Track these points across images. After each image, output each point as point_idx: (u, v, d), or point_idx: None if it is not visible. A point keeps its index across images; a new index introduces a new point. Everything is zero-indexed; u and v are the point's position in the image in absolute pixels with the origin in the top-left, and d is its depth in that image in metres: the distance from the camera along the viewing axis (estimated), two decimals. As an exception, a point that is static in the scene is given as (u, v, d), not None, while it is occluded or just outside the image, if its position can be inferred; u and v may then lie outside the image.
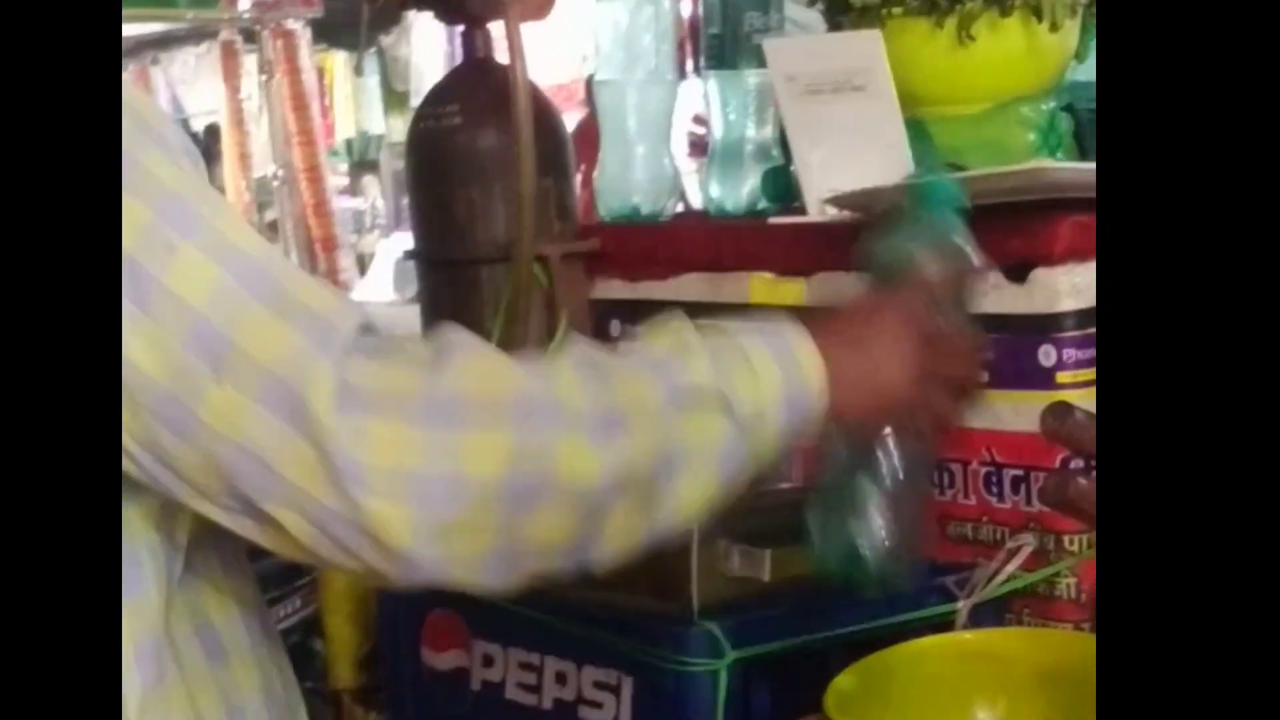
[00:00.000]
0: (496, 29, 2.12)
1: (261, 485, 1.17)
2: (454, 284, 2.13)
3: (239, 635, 1.35)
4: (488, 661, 1.78)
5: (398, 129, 9.12)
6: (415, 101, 8.29)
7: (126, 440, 1.17)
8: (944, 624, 1.61)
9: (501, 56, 2.09)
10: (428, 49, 8.38)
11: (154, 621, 1.27)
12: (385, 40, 8.96)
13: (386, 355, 1.18)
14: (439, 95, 2.17)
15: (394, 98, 9.30)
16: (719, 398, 1.26)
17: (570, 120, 2.30)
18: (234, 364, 1.15)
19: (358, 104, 9.60)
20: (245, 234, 1.20)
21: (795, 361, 1.30)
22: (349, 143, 9.70)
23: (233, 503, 1.19)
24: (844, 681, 1.50)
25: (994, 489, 1.74)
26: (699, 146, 2.59)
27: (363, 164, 9.82)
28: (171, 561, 1.29)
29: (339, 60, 9.14)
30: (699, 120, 2.50)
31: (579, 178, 2.22)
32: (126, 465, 1.19)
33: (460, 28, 2.17)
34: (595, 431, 1.21)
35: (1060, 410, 1.30)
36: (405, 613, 1.90)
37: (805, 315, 1.35)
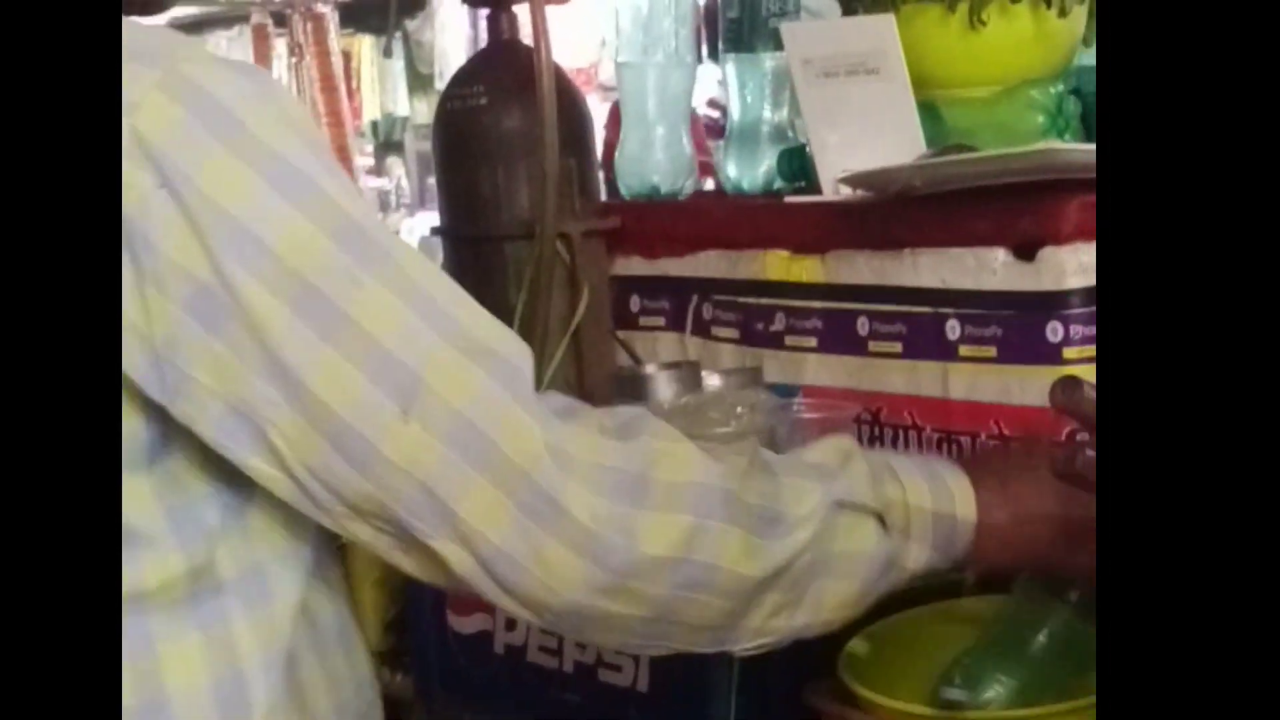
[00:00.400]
0: (521, 12, 2.13)
1: (435, 521, 1.19)
2: (479, 260, 2.13)
3: (342, 626, 1.37)
4: (510, 625, 1.80)
5: (422, 111, 9.11)
6: (439, 84, 8.29)
7: (292, 462, 1.18)
8: (951, 590, 1.61)
9: (526, 39, 2.10)
10: (451, 33, 8.36)
11: (283, 631, 1.28)
12: (410, 25, 8.93)
13: (579, 420, 1.22)
14: (465, 76, 2.17)
15: (418, 80, 9.28)
16: (873, 509, 1.31)
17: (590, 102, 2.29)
18: (424, 404, 1.16)
19: (383, 87, 9.57)
20: (423, 268, 1.21)
21: (948, 493, 1.34)
22: (374, 124, 9.67)
23: (389, 528, 1.21)
24: (856, 646, 1.54)
25: None
26: (713, 129, 2.59)
27: (388, 145, 9.79)
28: (298, 572, 1.30)
29: (365, 44, 9.11)
30: (713, 104, 2.49)
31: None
32: (286, 487, 1.20)
33: (485, 11, 2.18)
34: (761, 528, 1.25)
35: (1069, 384, 1.31)
36: (431, 578, 1.91)
37: (968, 463, 1.39)
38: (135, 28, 1.25)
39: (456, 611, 1.86)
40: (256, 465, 1.20)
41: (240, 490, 1.25)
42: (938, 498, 1.34)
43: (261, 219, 1.15)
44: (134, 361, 1.17)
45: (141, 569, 1.23)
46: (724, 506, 1.25)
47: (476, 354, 1.18)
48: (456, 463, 1.17)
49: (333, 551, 1.36)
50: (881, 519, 1.31)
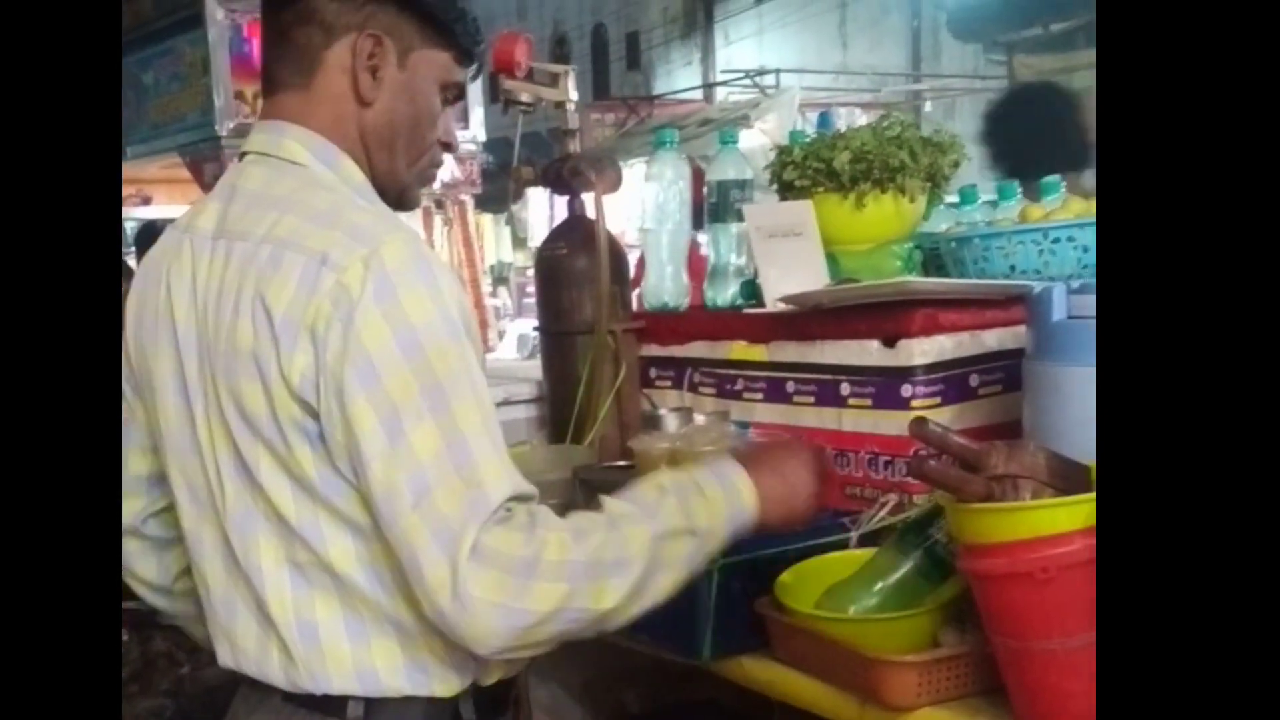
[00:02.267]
0: (585, 198, 2.13)
1: (414, 576, 1.11)
2: (560, 346, 2.10)
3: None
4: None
5: (519, 259, 9.14)
6: (532, 243, 8.33)
7: (369, 503, 1.13)
8: (843, 545, 1.61)
9: (589, 214, 2.10)
10: (537, 212, 8.44)
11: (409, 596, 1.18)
12: (514, 207, 8.99)
13: (508, 524, 1.11)
14: (553, 236, 2.15)
15: (518, 241, 9.34)
16: (687, 527, 1.22)
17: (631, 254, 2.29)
18: (426, 505, 1.10)
19: (497, 244, 9.60)
20: (470, 421, 1.12)
21: (736, 490, 1.27)
22: (492, 267, 9.71)
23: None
24: (785, 577, 1.54)
25: (873, 467, 1.73)
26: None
27: (499, 279, 9.82)
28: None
29: (487, 219, 9.16)
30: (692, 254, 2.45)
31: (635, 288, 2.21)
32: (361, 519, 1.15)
33: (566, 197, 2.18)
34: (615, 573, 1.15)
35: (920, 422, 1.32)
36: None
37: (742, 454, 1.32)
38: (365, 216, 1.20)
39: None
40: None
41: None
42: (729, 497, 1.26)
43: (382, 360, 1.11)
44: (321, 422, 1.13)
45: (370, 544, 1.17)
46: (590, 570, 1.13)
47: (472, 482, 1.10)
48: (431, 547, 1.09)
49: None
50: (692, 530, 1.22)
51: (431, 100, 1.32)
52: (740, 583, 1.57)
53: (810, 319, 1.82)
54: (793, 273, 1.84)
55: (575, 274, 2.08)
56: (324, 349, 1.12)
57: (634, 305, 2.17)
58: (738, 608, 1.56)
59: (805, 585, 1.52)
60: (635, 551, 1.16)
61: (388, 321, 1.12)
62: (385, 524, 1.12)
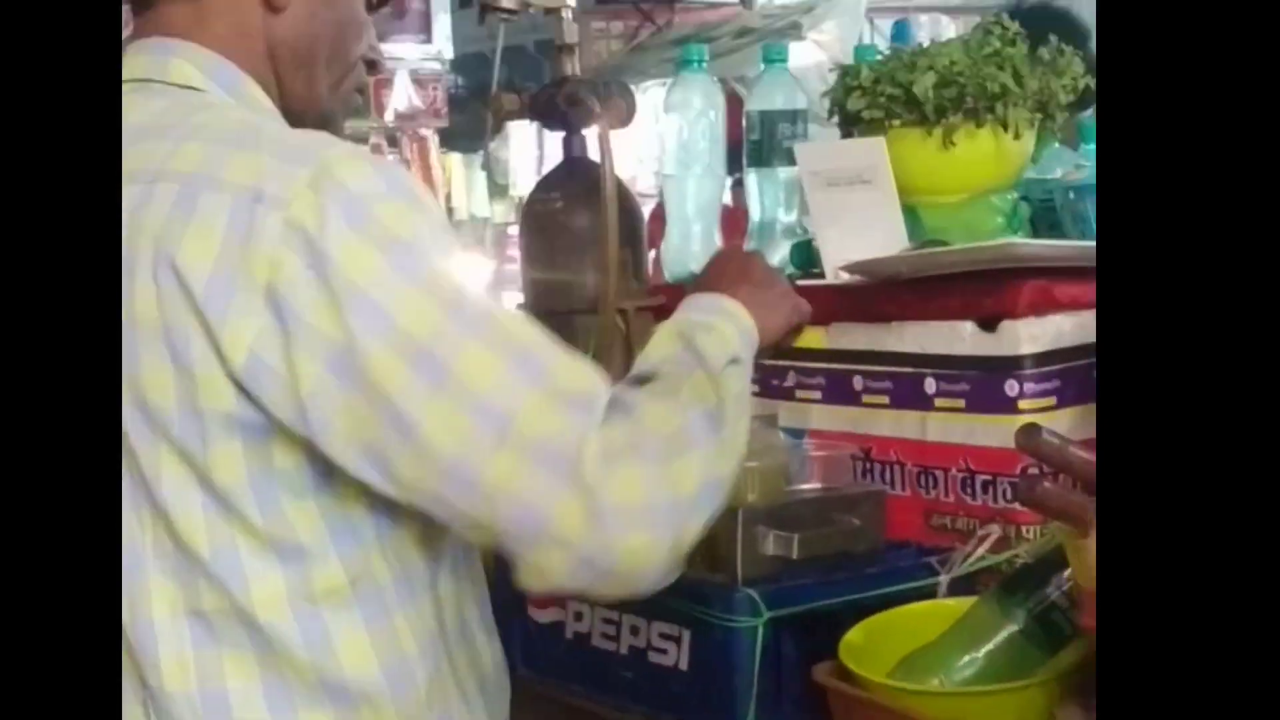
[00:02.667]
0: (589, 134, 2.12)
1: (533, 531, 1.13)
2: (555, 330, 2.09)
3: (481, 613, 1.34)
4: (578, 617, 1.78)
5: (499, 212, 9.14)
6: (515, 192, 8.33)
7: (413, 492, 1.15)
8: (929, 593, 1.61)
9: (591, 155, 2.09)
10: (522, 152, 8.43)
11: (432, 621, 1.26)
12: (491, 145, 9.00)
13: (609, 421, 1.16)
14: (545, 185, 2.16)
15: (496, 189, 9.34)
16: (729, 355, 1.30)
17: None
18: (515, 437, 1.12)
19: (469, 193, 9.62)
20: (518, 326, 1.17)
21: (733, 315, 1.35)
22: (461, 223, 9.73)
23: (499, 540, 1.17)
24: (853, 636, 1.53)
25: (968, 490, 1.73)
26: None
27: (473, 238, 9.84)
28: (443, 572, 1.28)
29: (455, 160, 9.17)
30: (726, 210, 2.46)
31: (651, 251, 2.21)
32: (414, 508, 1.18)
33: (560, 134, 2.17)
34: (719, 423, 1.23)
35: (1029, 430, 1.31)
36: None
37: (705, 282, 1.44)
38: (291, 133, 1.23)
39: (535, 605, 1.84)
40: (385, 489, 1.17)
41: (393, 507, 1.21)
42: (730, 320, 1.35)
43: (386, 294, 1.12)
44: (284, 409, 1.15)
45: (310, 577, 1.20)
46: (704, 429, 1.21)
47: (558, 393, 1.14)
48: (546, 480, 1.12)
49: (470, 551, 1.33)
50: (735, 359, 1.31)
51: (355, 4, 1.34)
52: (793, 642, 1.57)
53: (884, 294, 1.81)
54: (860, 233, 1.84)
55: (573, 234, 2.08)
56: (293, 314, 1.12)
57: (650, 275, 2.17)
58: (789, 675, 1.56)
59: (880, 647, 1.52)
60: (712, 395, 1.23)
61: (373, 245, 1.13)
62: (458, 500, 1.14)
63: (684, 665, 1.64)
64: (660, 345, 1.31)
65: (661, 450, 1.16)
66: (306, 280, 1.12)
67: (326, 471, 1.19)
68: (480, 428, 1.12)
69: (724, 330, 1.33)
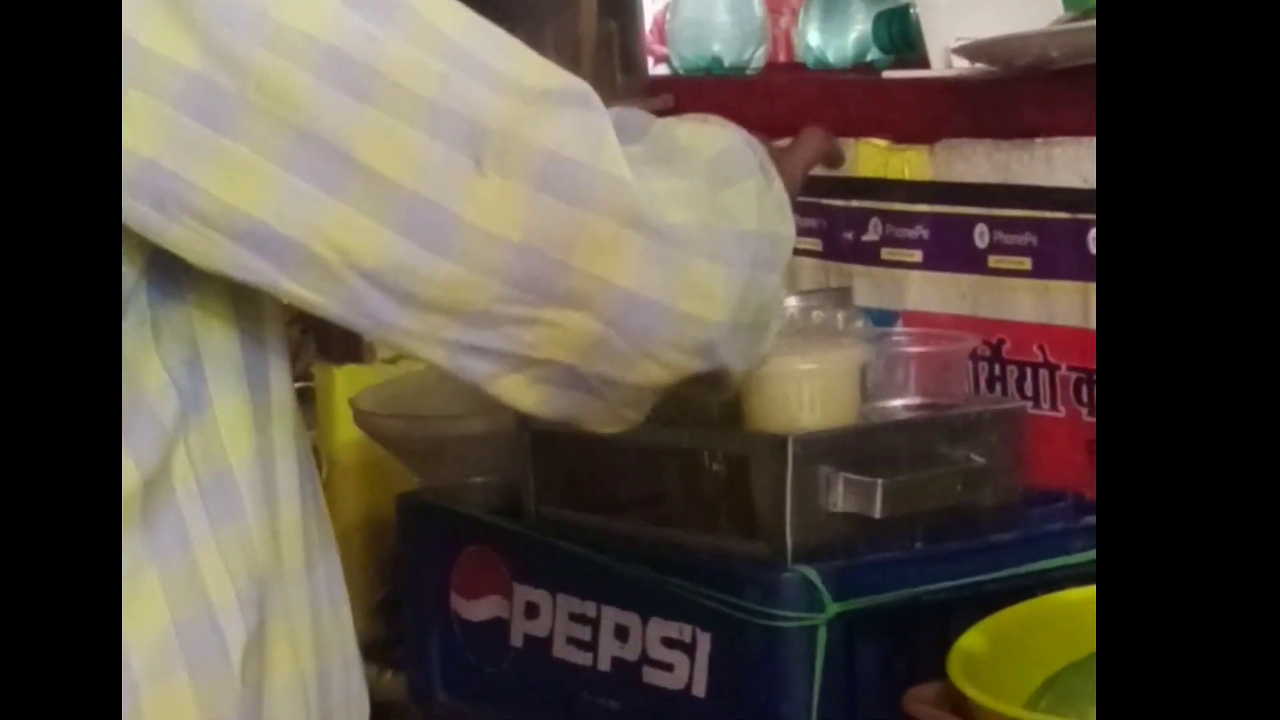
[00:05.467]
0: None
1: (543, 288, 1.21)
2: None
3: (329, 571, 1.38)
4: (532, 611, 1.80)
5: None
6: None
7: (345, 273, 1.19)
8: (1075, 578, 1.62)
9: None
10: None
11: (258, 557, 1.29)
12: None
13: (625, 132, 1.24)
14: None
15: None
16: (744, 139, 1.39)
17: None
18: (498, 149, 1.18)
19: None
20: (454, 18, 1.22)
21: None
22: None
23: (473, 337, 1.22)
24: (971, 641, 1.53)
25: None
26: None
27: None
28: (280, 483, 1.32)
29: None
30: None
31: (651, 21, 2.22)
32: (335, 309, 1.21)
33: None
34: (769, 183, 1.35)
35: None
36: (432, 549, 1.91)
37: None
38: None
39: (463, 594, 1.86)
40: (293, 290, 1.21)
41: (198, 375, 1.26)
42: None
43: None
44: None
45: None
46: (747, 162, 1.34)
47: (538, 98, 1.20)
48: (555, 206, 1.19)
49: (314, 469, 1.37)
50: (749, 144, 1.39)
51: None
52: (875, 651, 1.61)
53: (1023, 93, 1.83)
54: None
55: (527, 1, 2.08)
56: (128, 48, 1.16)
57: (649, 65, 2.22)
58: (868, 702, 1.60)
59: (1013, 660, 1.53)
60: (751, 154, 1.37)
61: None
62: (419, 265, 1.20)
63: (699, 688, 1.65)
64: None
65: (703, 172, 1.28)
66: None
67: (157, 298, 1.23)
68: (443, 142, 1.18)
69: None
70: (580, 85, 1.24)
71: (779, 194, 1.37)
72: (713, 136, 1.35)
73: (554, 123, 1.20)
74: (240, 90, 1.15)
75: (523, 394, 1.26)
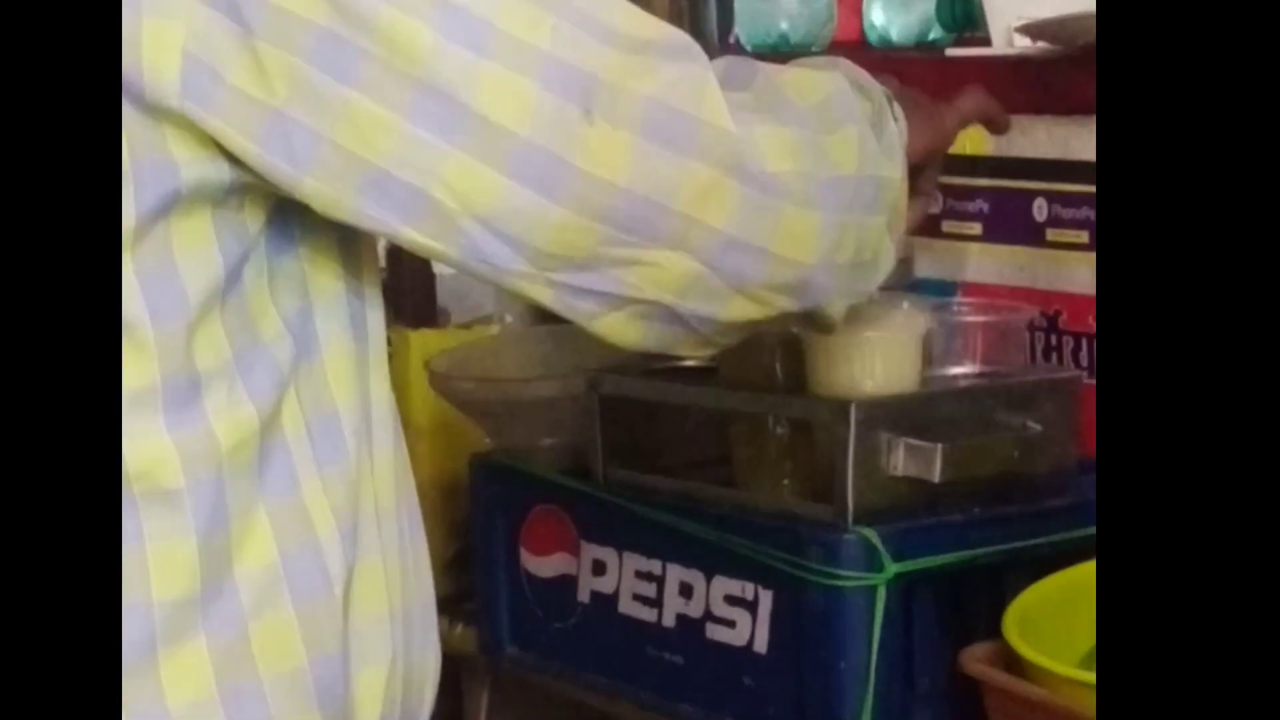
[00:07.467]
0: None
1: (647, 230, 1.24)
2: None
3: (411, 512, 1.40)
4: (599, 569, 1.80)
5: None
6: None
7: (462, 217, 1.21)
8: None
9: None
10: None
11: (355, 497, 1.32)
12: None
13: (729, 81, 1.28)
14: None
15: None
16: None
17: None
18: (607, 100, 1.21)
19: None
20: None
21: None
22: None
23: (579, 279, 1.26)
24: (1026, 603, 1.53)
25: None
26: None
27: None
28: (377, 429, 1.34)
29: None
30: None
31: None
32: (452, 252, 1.23)
33: None
34: (880, 128, 1.39)
35: None
36: (502, 508, 1.92)
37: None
38: None
39: (532, 550, 1.86)
40: (413, 237, 1.23)
41: (309, 322, 1.29)
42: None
43: None
44: (251, 136, 1.20)
45: (214, 426, 1.25)
46: (852, 108, 1.37)
47: (642, 49, 1.23)
48: (659, 152, 1.22)
49: (398, 419, 1.39)
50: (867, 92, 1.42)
51: None
52: (932, 611, 1.61)
53: (1085, 70, 1.77)
54: None
55: None
56: (256, 4, 1.18)
57: (716, 37, 2.20)
58: (926, 661, 1.60)
59: (1066, 621, 1.52)
60: (866, 102, 1.40)
61: None
62: (529, 208, 1.22)
63: (761, 644, 1.65)
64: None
65: (804, 119, 1.31)
66: None
67: (239, 263, 1.24)
68: (554, 93, 1.20)
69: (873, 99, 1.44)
70: (681, 36, 1.26)
71: (890, 138, 1.40)
72: (818, 83, 1.36)
73: (658, 73, 1.22)
74: (365, 44, 1.17)
75: (623, 330, 1.30)
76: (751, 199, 1.26)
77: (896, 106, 1.46)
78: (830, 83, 1.37)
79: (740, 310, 1.31)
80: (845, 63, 1.46)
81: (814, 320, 1.40)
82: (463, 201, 1.20)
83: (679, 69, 1.24)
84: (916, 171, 1.50)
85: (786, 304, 1.33)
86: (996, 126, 1.66)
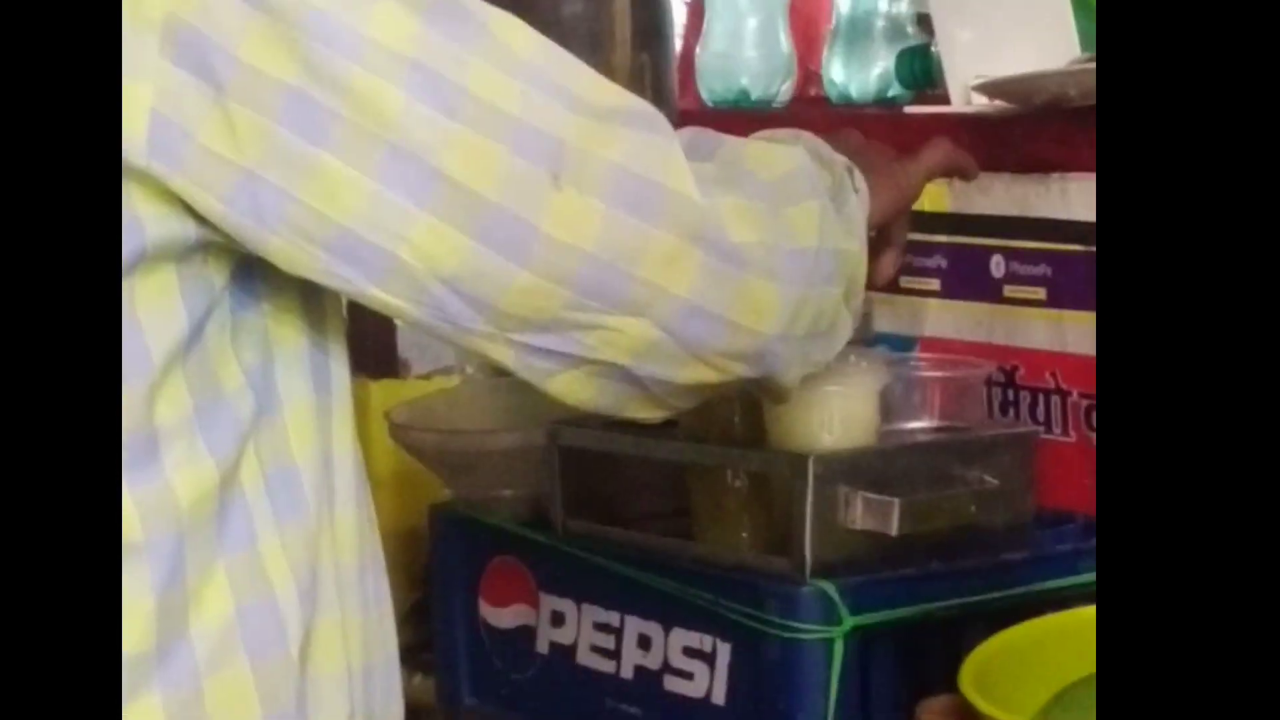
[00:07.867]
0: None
1: (611, 295, 1.25)
2: None
3: (377, 567, 1.39)
4: (558, 620, 1.79)
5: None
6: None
7: (428, 279, 1.21)
8: (1090, 595, 1.60)
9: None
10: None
11: (318, 550, 1.31)
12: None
13: (694, 153, 1.29)
14: None
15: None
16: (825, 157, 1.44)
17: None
18: (574, 166, 1.22)
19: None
20: (527, 42, 1.24)
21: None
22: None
23: (543, 341, 1.26)
24: (983, 655, 1.52)
25: None
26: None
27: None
28: (339, 484, 1.33)
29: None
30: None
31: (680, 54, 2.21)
32: (417, 313, 1.23)
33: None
34: (840, 203, 1.40)
35: None
36: (462, 558, 1.91)
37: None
38: None
39: (492, 601, 1.86)
40: (378, 296, 1.23)
41: (270, 377, 1.28)
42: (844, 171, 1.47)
43: (347, 7, 1.19)
44: (219, 195, 1.19)
45: (173, 481, 1.23)
46: (814, 182, 1.38)
47: (608, 117, 1.25)
48: (625, 219, 1.23)
49: (365, 476, 1.38)
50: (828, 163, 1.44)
51: None
52: (889, 663, 1.61)
53: (1040, 130, 1.82)
54: (1006, 34, 1.86)
55: (563, 28, 2.07)
56: (231, 65, 1.18)
57: (677, 93, 2.20)
58: (883, 711, 1.60)
59: (1023, 675, 1.52)
60: (826, 175, 1.42)
61: None
62: (498, 273, 1.23)
63: (719, 696, 1.65)
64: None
65: (767, 192, 1.33)
66: (232, 8, 1.17)
67: (203, 316, 1.23)
68: (524, 159, 1.21)
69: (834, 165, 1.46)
70: (645, 106, 1.29)
71: (850, 210, 1.41)
72: (780, 156, 1.38)
73: (624, 140, 1.24)
74: (336, 105, 1.17)
75: (579, 389, 1.30)
76: (714, 268, 1.27)
77: (858, 176, 1.46)
78: (792, 156, 1.39)
79: (696, 375, 1.32)
80: (807, 135, 1.47)
81: (767, 387, 1.41)
82: (429, 263, 1.20)
83: (644, 137, 1.26)
84: (884, 226, 1.52)
85: (742, 371, 1.34)
86: (965, 175, 1.68)
